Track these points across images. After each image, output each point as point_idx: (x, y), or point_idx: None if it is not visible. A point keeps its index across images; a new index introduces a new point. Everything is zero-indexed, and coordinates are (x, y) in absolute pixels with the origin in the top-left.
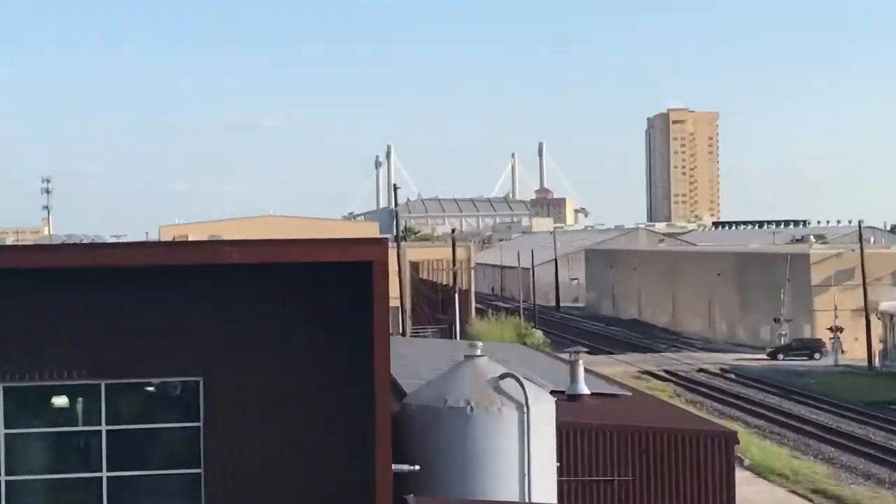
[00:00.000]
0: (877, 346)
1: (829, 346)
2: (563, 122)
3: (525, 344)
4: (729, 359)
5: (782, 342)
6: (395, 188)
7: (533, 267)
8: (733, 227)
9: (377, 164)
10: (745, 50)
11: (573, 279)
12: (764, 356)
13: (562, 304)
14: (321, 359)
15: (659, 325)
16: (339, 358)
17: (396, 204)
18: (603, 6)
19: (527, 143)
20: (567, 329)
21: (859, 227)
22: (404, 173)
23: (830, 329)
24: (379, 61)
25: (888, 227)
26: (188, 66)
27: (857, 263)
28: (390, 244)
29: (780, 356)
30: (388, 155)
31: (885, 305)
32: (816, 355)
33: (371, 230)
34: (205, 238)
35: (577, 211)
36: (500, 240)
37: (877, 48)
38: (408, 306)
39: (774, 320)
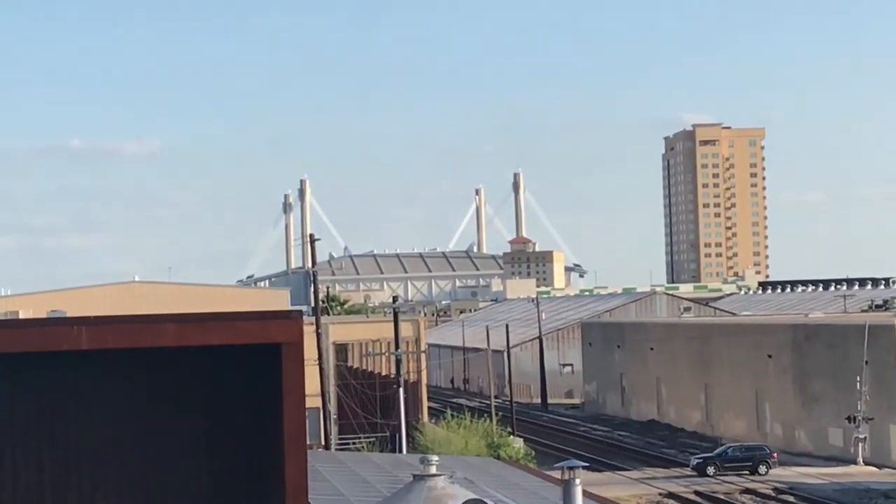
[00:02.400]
0: None
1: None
2: (546, 145)
3: (499, 457)
4: (787, 474)
5: (861, 449)
6: (313, 240)
7: (508, 348)
8: (788, 290)
9: (286, 208)
10: (801, 36)
11: (565, 365)
12: (697, 474)
13: (550, 401)
14: (201, 483)
15: (687, 429)
16: (228, 483)
17: (314, 263)
18: None
19: (497, 174)
20: (557, 436)
21: None
22: (325, 219)
23: None
24: (287, 64)
25: None
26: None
27: None
28: (306, 319)
29: (711, 470)
30: (300, 194)
31: None
32: (762, 468)
33: (278, 300)
34: (43, 314)
35: (568, 269)
36: (462, 311)
37: None
38: (332, 407)
39: (848, 420)
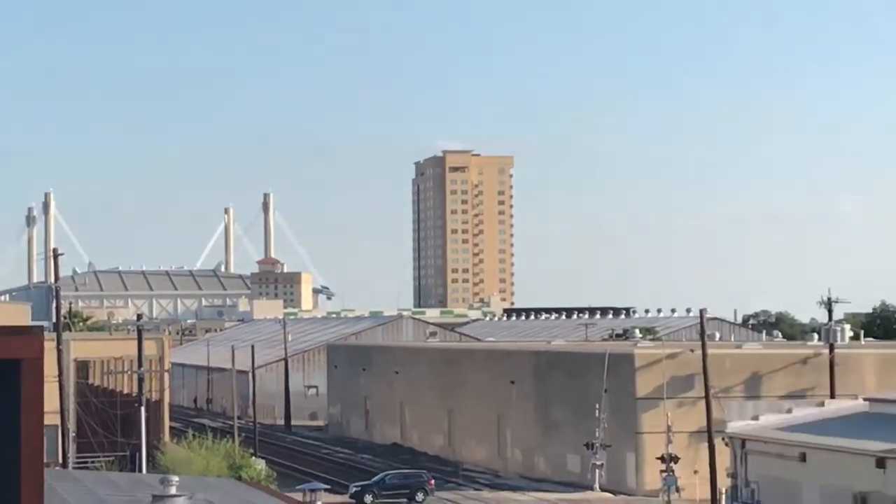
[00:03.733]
0: (724, 482)
1: (661, 481)
2: (298, 167)
3: (240, 479)
4: (525, 500)
5: (598, 476)
6: (56, 255)
7: (253, 369)
8: (532, 317)
9: (29, 221)
10: (552, 70)
11: (310, 387)
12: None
13: (294, 423)
14: None
15: (430, 453)
16: None
17: (57, 278)
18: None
19: (247, 194)
20: (300, 458)
21: (701, 317)
22: (69, 234)
23: (661, 458)
24: (30, 72)
25: (739, 319)
26: None
27: (698, 368)
28: (47, 335)
29: (369, 498)
30: (45, 208)
31: (735, 426)
32: (419, 495)
33: (18, 314)
34: None
35: (316, 291)
36: (208, 330)
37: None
38: (71, 425)
39: (586, 446)
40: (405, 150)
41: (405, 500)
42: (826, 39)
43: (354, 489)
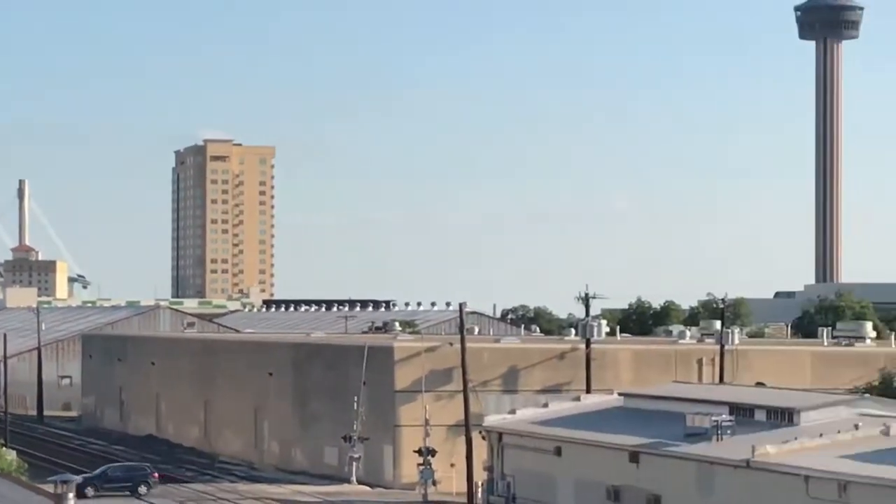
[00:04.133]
0: (480, 475)
1: (418, 474)
2: (54, 154)
3: None
4: (281, 491)
5: (354, 469)
6: None
7: (5, 358)
8: (292, 308)
9: None
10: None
11: (64, 377)
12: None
13: (47, 413)
14: None
15: (185, 444)
16: None
17: None
18: None
19: (1, 181)
20: (53, 450)
21: (460, 311)
22: None
23: (418, 451)
24: None
25: (499, 313)
26: None
27: (456, 361)
28: None
29: (90, 491)
30: None
31: (491, 419)
32: (142, 488)
33: None
34: None
35: (72, 279)
36: None
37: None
38: None
39: (344, 439)
40: (167, 140)
41: (128, 493)
42: (597, 39)
43: (78, 482)
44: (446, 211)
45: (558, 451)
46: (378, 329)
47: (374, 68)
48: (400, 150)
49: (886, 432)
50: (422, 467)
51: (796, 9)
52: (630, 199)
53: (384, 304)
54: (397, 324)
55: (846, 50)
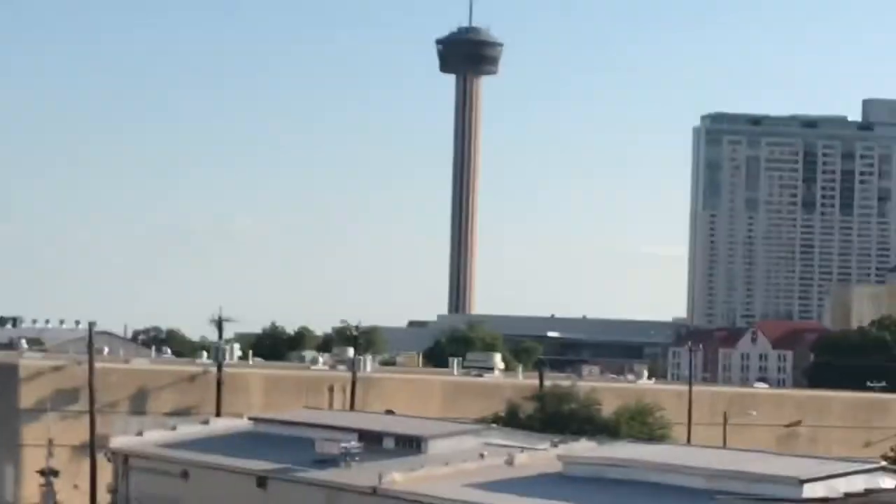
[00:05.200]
0: (104, 498)
1: (40, 495)
2: None
3: None
4: None
5: None
6: None
7: None
8: None
9: None
10: None
11: None
12: None
13: None
14: None
15: None
16: None
17: None
18: None
19: None
20: None
21: (90, 330)
22: None
23: (41, 472)
24: None
25: (129, 334)
26: None
27: (84, 381)
28: None
29: None
30: None
31: (118, 441)
32: None
33: None
34: None
35: None
36: None
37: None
38: None
39: None
40: None
41: None
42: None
43: None
44: (76, 226)
45: (185, 475)
46: (5, 346)
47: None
48: (49, 161)
49: (510, 462)
50: (44, 488)
51: (438, 42)
52: (266, 221)
53: (11, 321)
54: (24, 341)
55: (485, 84)
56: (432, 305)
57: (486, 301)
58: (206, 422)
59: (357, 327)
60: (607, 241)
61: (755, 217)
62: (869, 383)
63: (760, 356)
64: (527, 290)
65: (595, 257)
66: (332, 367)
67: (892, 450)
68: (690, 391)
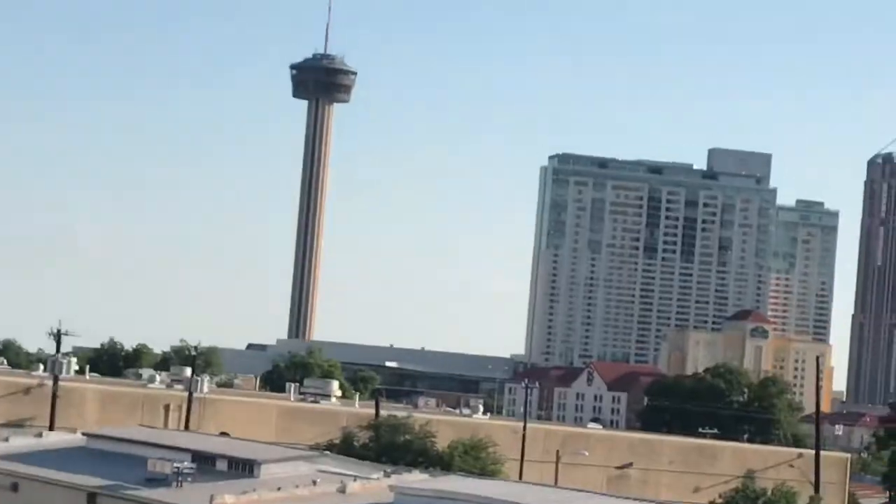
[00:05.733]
0: None
1: None
2: None
3: None
4: None
5: None
6: None
7: None
8: None
9: None
10: None
11: None
12: None
13: None
14: None
15: None
16: None
17: None
18: None
19: None
20: None
21: None
22: None
23: None
24: None
25: None
26: None
27: None
28: None
29: None
30: None
31: None
32: None
33: None
34: None
35: None
36: None
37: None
38: None
39: None
40: None
41: None
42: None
43: None
44: None
45: (15, 488)
46: None
47: None
48: None
49: (343, 490)
50: None
51: (292, 67)
52: (110, 236)
53: None
54: None
55: (337, 111)
56: (272, 329)
57: (326, 328)
58: (39, 435)
59: (196, 347)
60: (448, 274)
61: (597, 259)
62: (701, 429)
63: (595, 396)
64: (367, 319)
65: (436, 290)
66: (169, 385)
67: (720, 496)
68: (525, 428)
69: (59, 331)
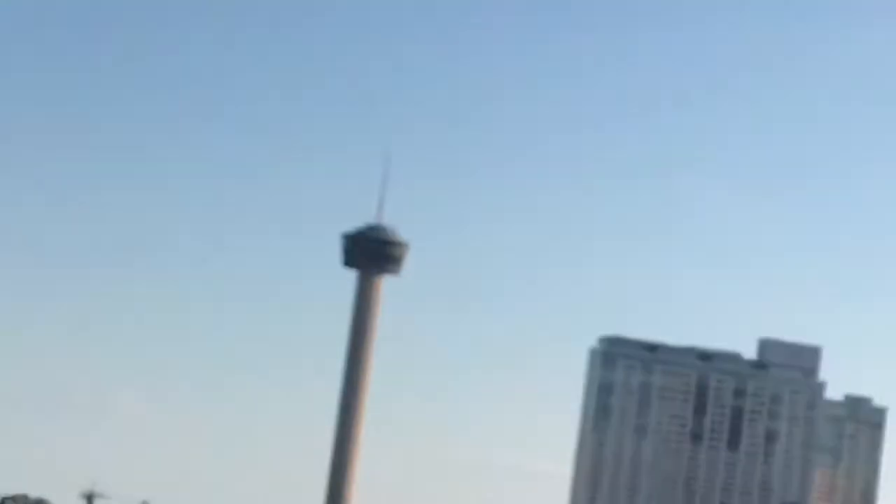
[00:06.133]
0: None
1: None
2: None
3: None
4: None
5: None
6: None
7: None
8: None
9: None
10: None
11: None
12: None
13: None
14: None
15: None
16: None
17: None
18: None
19: None
20: None
21: None
22: None
23: None
24: None
25: None
26: None
27: None
28: None
29: None
30: None
31: None
32: None
33: None
34: None
35: None
36: None
37: None
38: None
39: None
40: None
41: None
42: None
43: None
44: None
45: None
46: None
47: None
48: None
49: None
50: None
51: (343, 236)
52: (151, 400)
53: None
54: None
55: (386, 283)
56: None
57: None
58: None
59: None
60: (487, 454)
61: (642, 443)
62: None
63: None
64: (406, 500)
65: (475, 471)
66: None
67: None
68: None
69: (91, 492)
